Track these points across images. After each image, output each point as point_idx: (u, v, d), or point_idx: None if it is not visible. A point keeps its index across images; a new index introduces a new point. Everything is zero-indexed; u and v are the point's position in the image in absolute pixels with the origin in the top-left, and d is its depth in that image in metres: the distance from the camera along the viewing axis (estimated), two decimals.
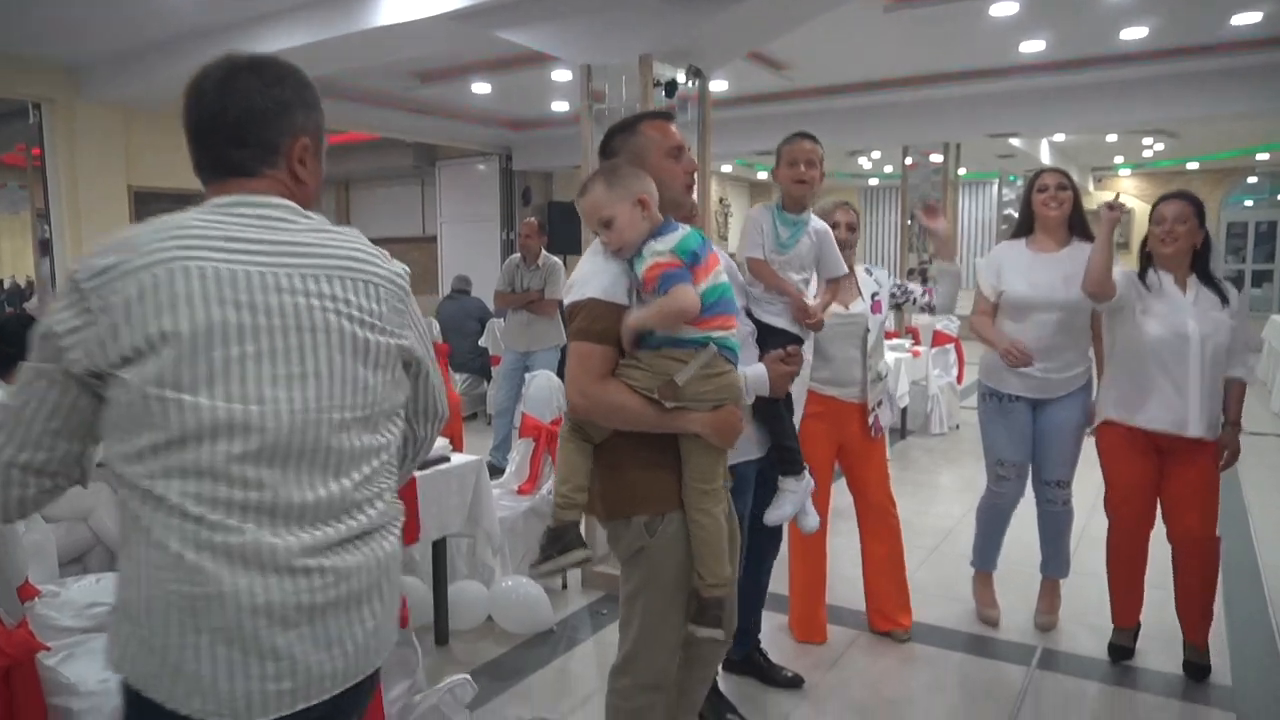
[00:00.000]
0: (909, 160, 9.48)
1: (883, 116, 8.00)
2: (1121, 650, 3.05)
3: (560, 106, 8.65)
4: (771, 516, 2.46)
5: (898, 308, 3.19)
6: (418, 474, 2.82)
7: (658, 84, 3.58)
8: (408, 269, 1.31)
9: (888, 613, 3.23)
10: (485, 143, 10.20)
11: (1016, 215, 3.34)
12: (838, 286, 2.63)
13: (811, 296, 2.89)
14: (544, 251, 5.53)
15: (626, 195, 1.77)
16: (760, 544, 2.67)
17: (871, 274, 3.14)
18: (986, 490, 3.37)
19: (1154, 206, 2.88)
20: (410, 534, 2.76)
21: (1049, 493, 3.26)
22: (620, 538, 1.86)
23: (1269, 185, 14.21)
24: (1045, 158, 11.47)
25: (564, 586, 3.68)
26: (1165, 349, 2.78)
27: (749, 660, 2.90)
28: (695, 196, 1.99)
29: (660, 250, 1.73)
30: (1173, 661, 2.99)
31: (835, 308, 2.99)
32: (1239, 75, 6.42)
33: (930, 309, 3.18)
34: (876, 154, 11.95)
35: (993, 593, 3.45)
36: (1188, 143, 11.11)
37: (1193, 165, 13.51)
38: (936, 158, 9.98)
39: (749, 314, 2.43)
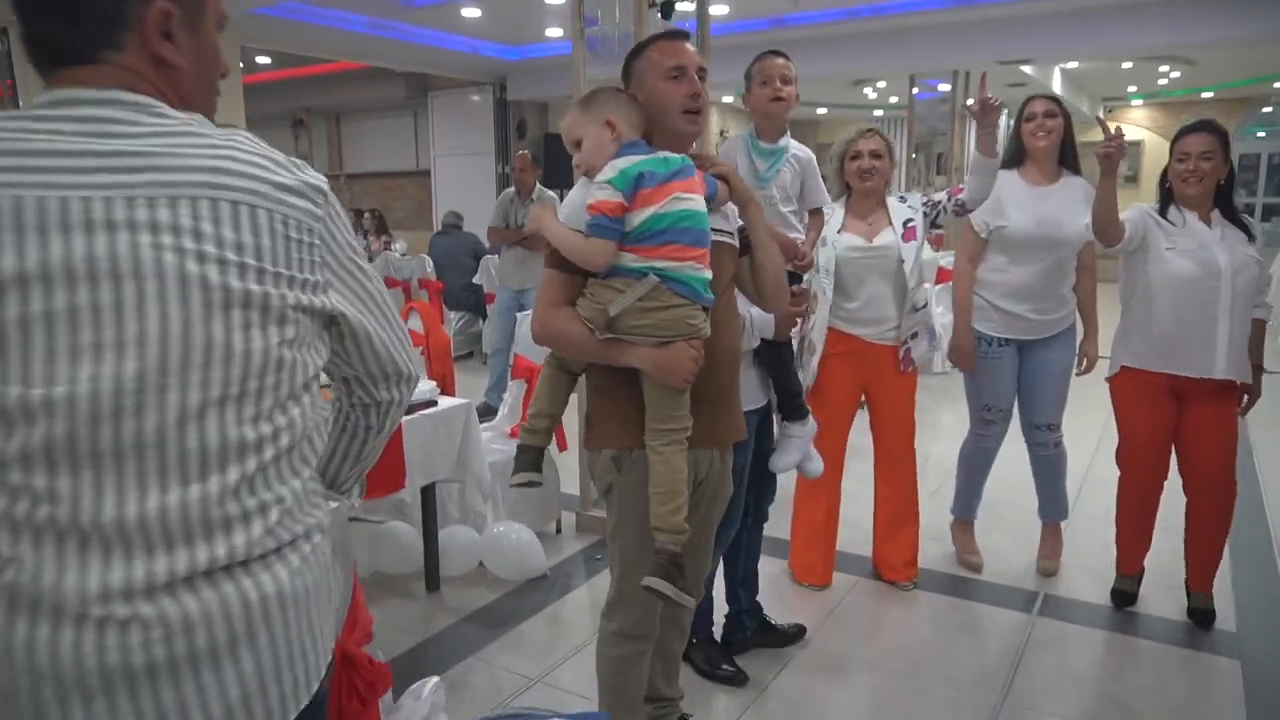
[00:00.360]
0: (915, 90, 9.18)
1: (890, 42, 7.69)
2: (1125, 596, 3.00)
3: (555, 33, 8.33)
4: (778, 464, 2.38)
5: (935, 225, 2.92)
6: (404, 419, 2.72)
7: (653, 5, 3.36)
8: (324, 180, 0.96)
9: (895, 564, 3.16)
10: (478, 72, 9.87)
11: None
12: (822, 219, 2.47)
13: (834, 231, 2.77)
14: (539, 185, 5.35)
15: (597, 116, 1.72)
16: (759, 492, 2.59)
17: (905, 200, 2.91)
18: (970, 434, 3.29)
19: (1175, 139, 2.70)
20: (396, 481, 2.68)
21: (1040, 436, 3.18)
22: (594, 470, 1.86)
23: None
24: (1057, 87, 11.12)
25: (558, 531, 3.62)
26: (1196, 286, 2.63)
27: (760, 636, 2.75)
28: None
29: (605, 180, 1.65)
30: (1176, 608, 2.94)
31: (856, 239, 2.83)
32: None
33: (961, 208, 2.82)
34: (882, 84, 11.58)
35: (974, 539, 3.39)
36: (1204, 70, 10.74)
37: (1207, 95, 13.10)
38: (944, 87, 9.68)
39: None
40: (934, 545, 3.39)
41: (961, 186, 2.79)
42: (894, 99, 12.53)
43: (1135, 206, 2.79)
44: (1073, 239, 2.95)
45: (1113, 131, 2.53)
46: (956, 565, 3.34)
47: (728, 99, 13.41)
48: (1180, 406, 2.77)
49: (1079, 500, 3.88)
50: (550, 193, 5.38)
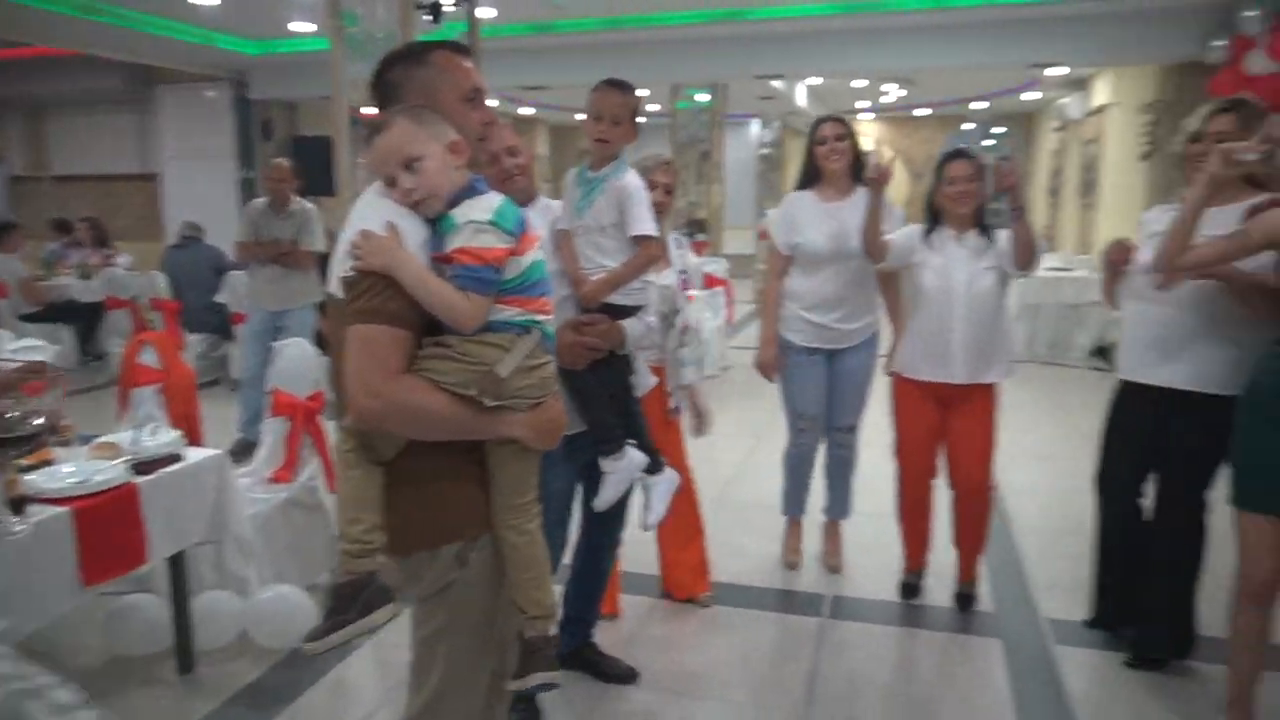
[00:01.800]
0: (678, 99, 9.47)
1: (654, 52, 7.86)
2: (911, 589, 3.19)
3: (303, 27, 7.69)
4: (598, 502, 2.23)
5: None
6: (140, 481, 2.31)
7: (419, 6, 3.13)
8: None
9: (684, 581, 3.14)
10: (213, 66, 8.93)
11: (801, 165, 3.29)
12: (650, 245, 2.36)
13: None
14: (296, 197, 4.86)
15: (439, 135, 1.41)
16: (595, 531, 2.46)
17: (680, 247, 2.94)
18: (790, 441, 3.40)
19: (941, 165, 2.91)
20: (133, 556, 2.26)
21: (840, 438, 3.34)
22: (422, 574, 1.48)
23: (980, 131, 15.86)
24: (800, 99, 11.95)
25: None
26: (935, 301, 2.87)
27: (579, 654, 2.67)
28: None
29: (480, 221, 1.37)
30: (947, 595, 3.15)
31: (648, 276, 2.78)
32: (973, 30, 6.90)
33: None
34: (645, 91, 11.86)
35: (798, 537, 3.51)
36: (921, 90, 12.00)
37: (922, 111, 14.70)
38: (704, 97, 10.07)
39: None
40: (723, 554, 3.40)
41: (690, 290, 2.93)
42: (655, 107, 12.90)
43: (906, 229, 2.98)
44: (861, 249, 3.05)
45: (884, 160, 2.68)
46: (750, 574, 3.40)
47: (492, 103, 13.13)
48: (944, 411, 2.97)
49: (862, 498, 4.11)
50: (309, 204, 4.92)
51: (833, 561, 3.43)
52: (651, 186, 2.72)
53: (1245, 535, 2.16)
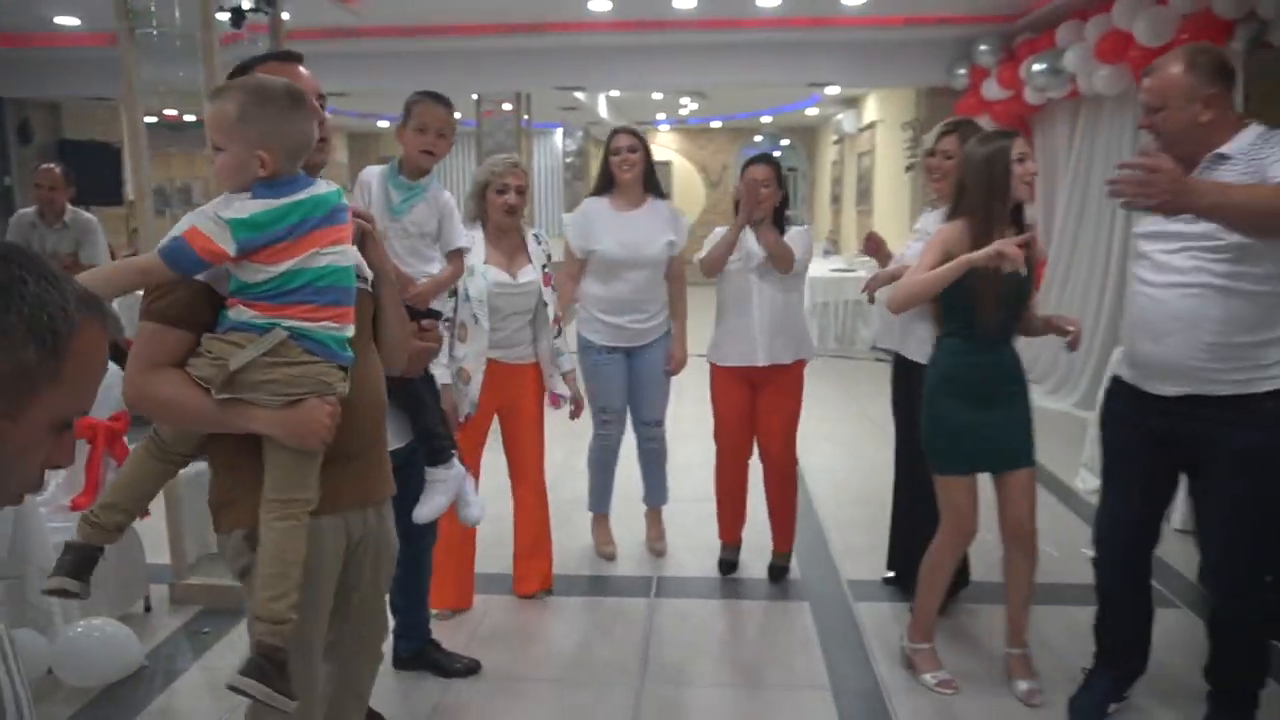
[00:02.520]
0: (484, 108, 9.47)
1: (456, 63, 7.84)
2: (729, 564, 3.46)
3: (68, 20, 7.04)
4: (421, 513, 2.27)
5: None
6: None
7: (221, 8, 3.03)
8: None
9: (531, 576, 3.25)
10: None
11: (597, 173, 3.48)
12: (463, 259, 2.47)
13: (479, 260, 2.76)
14: (70, 206, 4.49)
15: (252, 137, 1.45)
16: (417, 533, 2.49)
17: (541, 242, 3.04)
18: (594, 436, 3.57)
19: (744, 169, 3.17)
20: None
21: (648, 431, 3.56)
22: (228, 554, 1.62)
23: (769, 143, 16.95)
24: (602, 111, 12.28)
25: (147, 610, 3.11)
26: (737, 295, 3.15)
27: (421, 655, 2.71)
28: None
29: (226, 219, 1.41)
30: (761, 568, 3.44)
31: (501, 275, 2.88)
32: (760, 49, 7.45)
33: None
34: None
35: (608, 530, 3.69)
36: (714, 104, 12.69)
37: (716, 124, 15.52)
38: (508, 106, 10.12)
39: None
40: (556, 548, 3.55)
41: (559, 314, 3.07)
42: (457, 115, 12.77)
43: (714, 233, 3.23)
44: (656, 257, 3.32)
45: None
46: (579, 564, 3.56)
47: None
48: (754, 393, 3.25)
49: (675, 483, 4.37)
50: (87, 214, 4.56)
51: (658, 546, 3.66)
52: (503, 190, 2.85)
53: (952, 496, 2.53)
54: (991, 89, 6.64)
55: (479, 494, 2.54)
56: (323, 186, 1.53)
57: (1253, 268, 2.03)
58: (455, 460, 2.30)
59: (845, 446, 5.19)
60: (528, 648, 2.93)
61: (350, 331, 1.55)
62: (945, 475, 2.57)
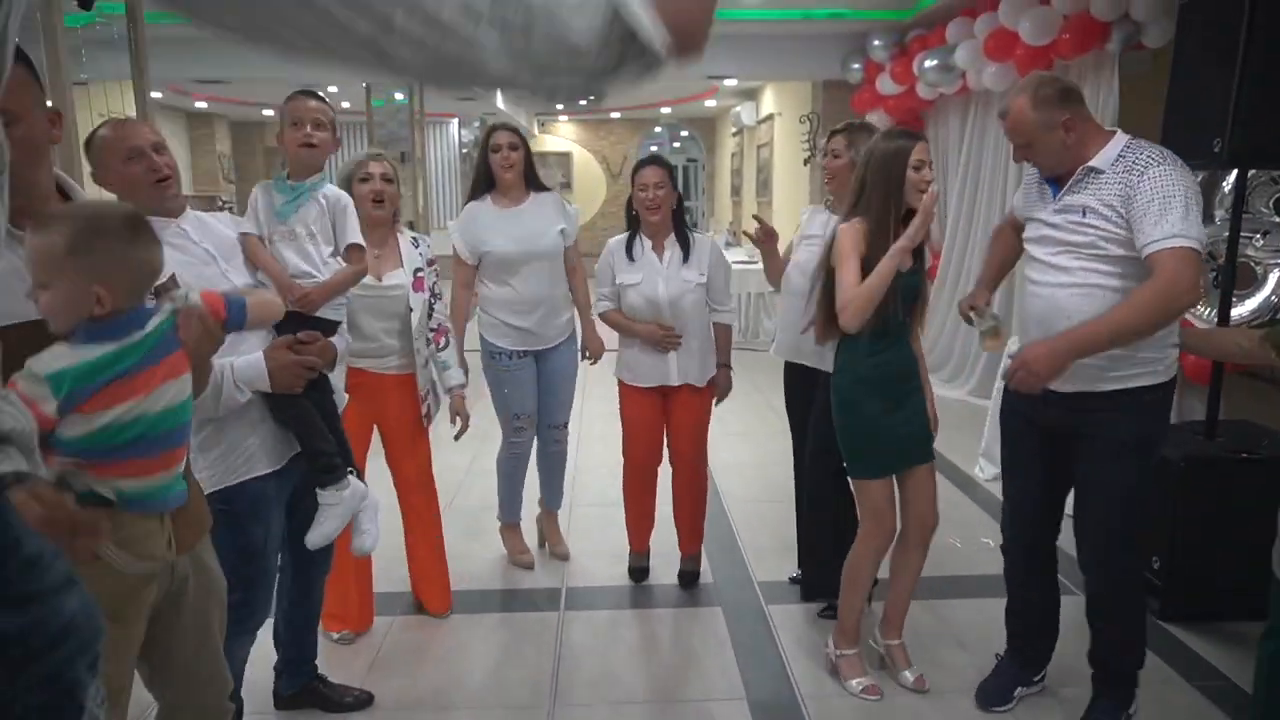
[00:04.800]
0: (376, 97, 9.13)
1: None
2: (640, 571, 3.39)
3: None
4: (313, 538, 2.10)
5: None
6: None
7: None
8: None
9: (432, 595, 3.11)
10: None
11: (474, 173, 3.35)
12: (363, 255, 2.29)
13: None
14: None
15: (85, 271, 1.24)
16: (308, 560, 2.31)
17: (418, 245, 2.86)
18: (505, 443, 3.44)
19: (634, 172, 3.08)
20: None
21: (553, 434, 3.47)
22: None
23: (669, 134, 17.01)
24: (499, 102, 12.02)
25: None
26: (642, 314, 3.06)
27: (308, 691, 2.52)
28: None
29: (43, 374, 1.19)
30: (672, 573, 3.39)
31: (366, 279, 2.67)
32: None
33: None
34: (334, 88, 11.28)
35: (522, 539, 3.57)
36: (614, 95, 12.60)
37: (616, 115, 15.45)
38: (401, 96, 9.80)
39: None
40: (461, 561, 3.41)
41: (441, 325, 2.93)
42: (346, 104, 12.32)
43: (609, 245, 3.15)
44: (551, 249, 3.22)
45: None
46: (487, 578, 3.42)
47: (156, 94, 11.82)
48: (666, 404, 3.18)
49: (578, 489, 4.28)
50: None
51: (560, 550, 3.58)
52: (366, 178, 2.67)
53: (872, 498, 2.54)
54: (886, 84, 6.76)
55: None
56: (147, 331, 1.32)
57: (1136, 270, 2.11)
58: (351, 480, 2.14)
59: (751, 440, 5.19)
60: (430, 672, 2.78)
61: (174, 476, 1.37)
62: (865, 479, 2.55)
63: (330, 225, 2.25)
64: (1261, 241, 3.91)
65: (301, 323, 2.08)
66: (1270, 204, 3.91)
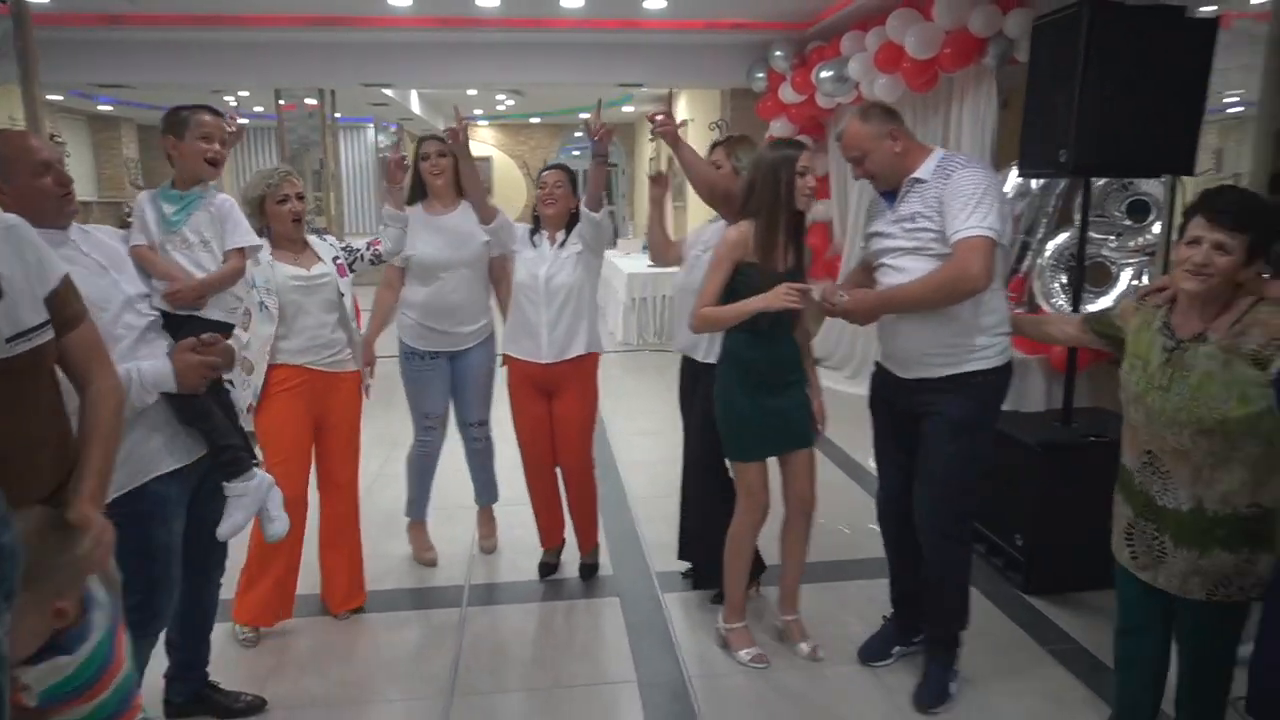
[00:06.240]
0: (283, 101, 9.02)
1: (251, 54, 7.41)
2: (549, 567, 3.51)
3: None
4: (224, 530, 2.19)
5: (351, 269, 3.00)
6: None
7: None
8: None
9: (344, 595, 3.16)
10: None
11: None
12: (242, 258, 2.36)
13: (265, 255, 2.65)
14: None
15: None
16: (203, 561, 2.36)
17: (325, 239, 3.01)
18: (416, 441, 3.54)
19: (539, 174, 3.26)
20: None
21: (474, 432, 3.58)
22: None
23: (590, 140, 17.10)
24: (415, 107, 11.98)
25: None
26: (525, 290, 3.19)
27: (199, 698, 2.54)
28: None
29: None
30: (578, 569, 3.51)
31: (294, 269, 2.81)
32: (568, 49, 7.51)
33: (378, 258, 3.07)
34: (244, 92, 11.08)
35: (427, 536, 3.67)
36: (533, 101, 12.67)
37: (535, 120, 15.49)
38: (312, 101, 9.70)
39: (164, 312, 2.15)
40: (370, 562, 3.46)
41: (379, 239, 3.03)
42: (259, 108, 12.10)
43: (523, 226, 3.29)
44: (474, 257, 3.35)
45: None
46: (397, 577, 3.49)
47: (56, 96, 11.42)
48: (549, 401, 3.28)
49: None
50: None
51: (488, 544, 3.72)
52: (284, 199, 2.79)
53: (748, 478, 2.76)
54: (788, 93, 7.02)
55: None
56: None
57: None
58: (256, 472, 2.22)
59: (659, 439, 5.34)
60: (336, 671, 2.84)
61: None
62: (742, 461, 2.74)
63: (221, 229, 2.32)
64: (1115, 242, 4.24)
65: (201, 327, 2.16)
66: (1123, 208, 4.25)
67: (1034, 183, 4.54)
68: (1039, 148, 3.38)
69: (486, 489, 3.73)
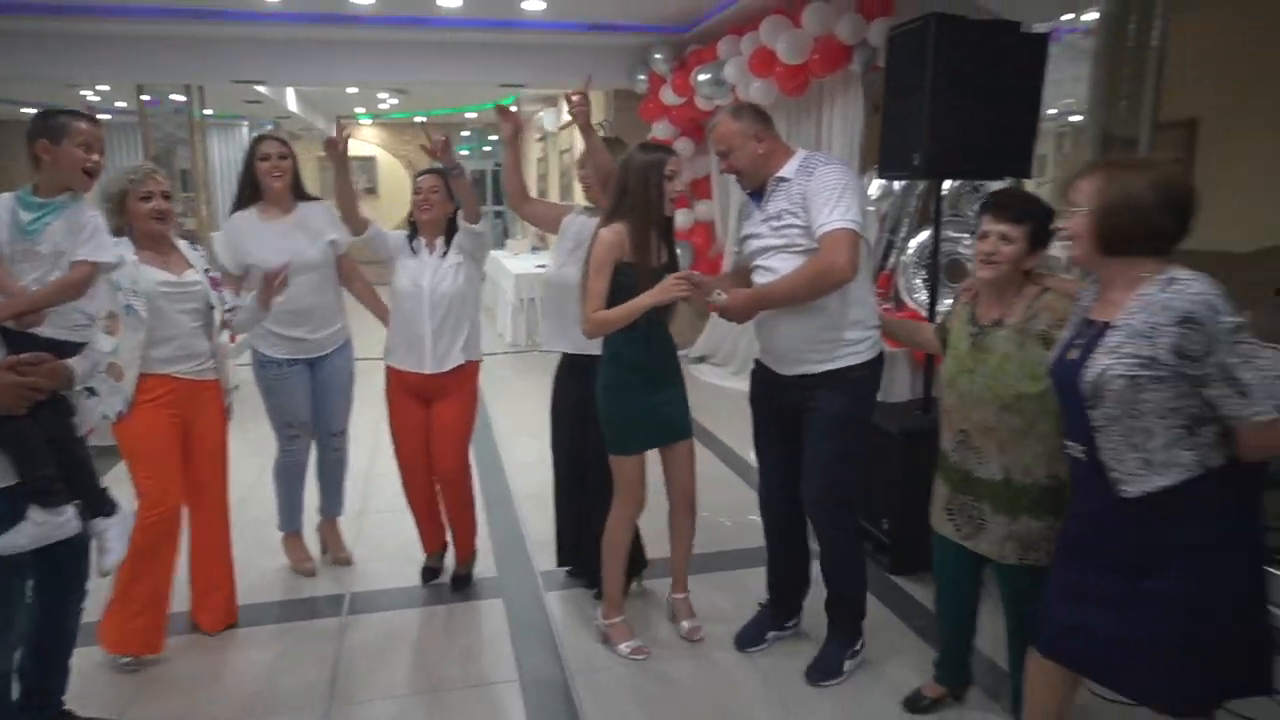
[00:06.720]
0: (146, 97, 8.59)
1: (114, 48, 7.01)
2: (432, 571, 3.48)
3: None
4: (106, 564, 2.15)
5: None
6: None
7: None
8: None
9: (217, 613, 3.06)
10: None
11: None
12: (85, 270, 2.25)
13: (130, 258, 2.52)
14: None
15: None
16: (54, 583, 2.24)
17: (197, 249, 2.88)
18: (280, 452, 3.45)
19: (415, 179, 3.21)
20: None
21: (332, 442, 3.52)
22: None
23: (478, 139, 16.93)
24: (291, 105, 11.58)
25: None
26: (407, 300, 3.15)
27: None
28: None
29: None
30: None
31: (163, 274, 2.67)
32: (448, 48, 7.42)
33: (227, 326, 2.97)
34: (105, 87, 10.47)
35: (304, 547, 3.59)
36: (416, 99, 12.44)
37: (420, 118, 15.20)
38: (179, 97, 9.27)
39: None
40: (241, 574, 3.35)
41: (234, 308, 2.94)
42: (121, 104, 11.46)
43: (397, 233, 3.24)
44: (318, 260, 3.27)
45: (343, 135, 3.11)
46: (277, 589, 3.40)
47: None
48: (427, 408, 3.25)
49: (370, 495, 4.29)
50: None
51: (341, 556, 3.62)
52: (147, 197, 2.64)
53: (627, 472, 2.83)
54: (668, 95, 7.14)
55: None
56: None
57: None
58: (66, 510, 2.10)
59: (544, 438, 5.34)
60: (206, 690, 2.75)
61: None
62: (624, 454, 2.82)
63: (74, 242, 2.22)
64: (970, 241, 4.52)
65: (34, 344, 2.05)
66: (975, 208, 4.53)
67: (896, 184, 4.78)
68: (897, 151, 3.57)
69: (335, 501, 3.63)
